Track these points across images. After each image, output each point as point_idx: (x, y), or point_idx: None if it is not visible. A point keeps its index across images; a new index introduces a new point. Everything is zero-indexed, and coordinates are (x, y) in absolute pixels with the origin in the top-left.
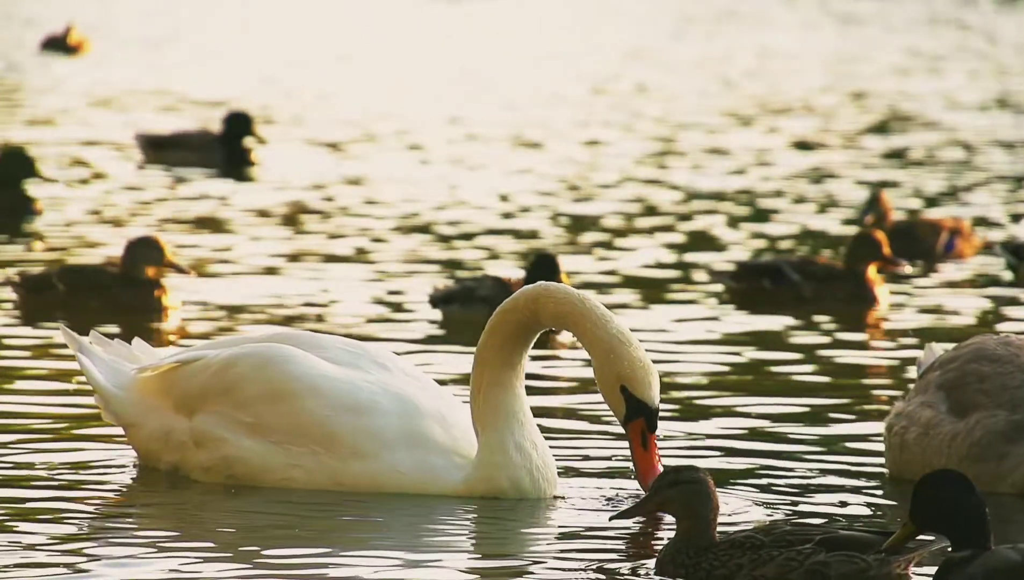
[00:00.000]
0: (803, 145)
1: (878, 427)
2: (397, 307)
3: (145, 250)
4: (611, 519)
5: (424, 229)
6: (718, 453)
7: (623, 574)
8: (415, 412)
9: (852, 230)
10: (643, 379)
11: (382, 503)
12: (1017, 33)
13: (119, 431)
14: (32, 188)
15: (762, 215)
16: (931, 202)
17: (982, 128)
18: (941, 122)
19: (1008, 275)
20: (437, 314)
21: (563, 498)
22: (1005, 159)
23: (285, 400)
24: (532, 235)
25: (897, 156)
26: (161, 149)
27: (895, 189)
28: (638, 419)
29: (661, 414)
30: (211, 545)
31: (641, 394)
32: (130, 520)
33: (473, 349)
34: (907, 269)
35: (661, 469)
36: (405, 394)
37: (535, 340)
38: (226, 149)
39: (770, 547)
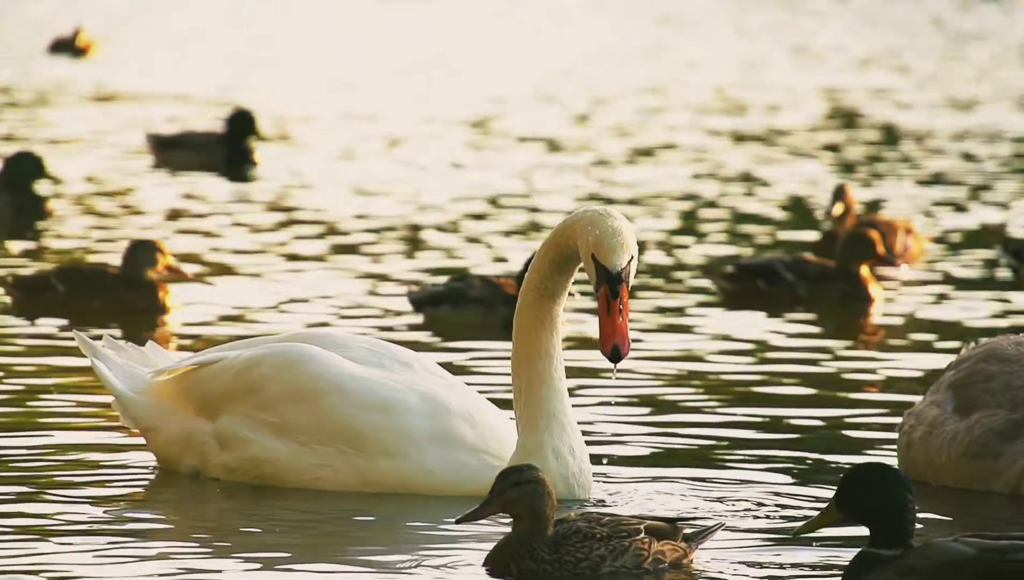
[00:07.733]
0: (765, 141)
1: (877, 427)
2: (390, 308)
3: (144, 253)
4: (457, 522)
5: (411, 229)
6: (717, 454)
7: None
8: (444, 411)
9: (818, 225)
10: (609, 246)
11: (411, 503)
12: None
13: (128, 432)
14: (41, 189)
15: (739, 215)
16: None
17: (950, 126)
18: (910, 122)
19: (1007, 276)
20: (436, 316)
21: (602, 502)
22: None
23: (310, 400)
24: (522, 234)
25: (862, 154)
26: (169, 149)
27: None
28: (603, 285)
29: (667, 406)
30: (231, 545)
31: (604, 260)
32: (145, 523)
33: (473, 350)
34: (903, 268)
35: (629, 334)
36: (433, 393)
37: (560, 317)
38: (228, 149)
39: (617, 537)
